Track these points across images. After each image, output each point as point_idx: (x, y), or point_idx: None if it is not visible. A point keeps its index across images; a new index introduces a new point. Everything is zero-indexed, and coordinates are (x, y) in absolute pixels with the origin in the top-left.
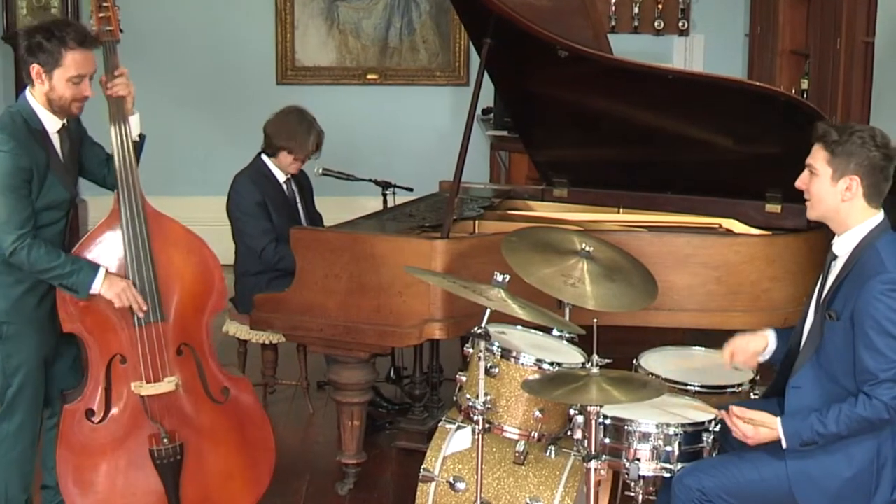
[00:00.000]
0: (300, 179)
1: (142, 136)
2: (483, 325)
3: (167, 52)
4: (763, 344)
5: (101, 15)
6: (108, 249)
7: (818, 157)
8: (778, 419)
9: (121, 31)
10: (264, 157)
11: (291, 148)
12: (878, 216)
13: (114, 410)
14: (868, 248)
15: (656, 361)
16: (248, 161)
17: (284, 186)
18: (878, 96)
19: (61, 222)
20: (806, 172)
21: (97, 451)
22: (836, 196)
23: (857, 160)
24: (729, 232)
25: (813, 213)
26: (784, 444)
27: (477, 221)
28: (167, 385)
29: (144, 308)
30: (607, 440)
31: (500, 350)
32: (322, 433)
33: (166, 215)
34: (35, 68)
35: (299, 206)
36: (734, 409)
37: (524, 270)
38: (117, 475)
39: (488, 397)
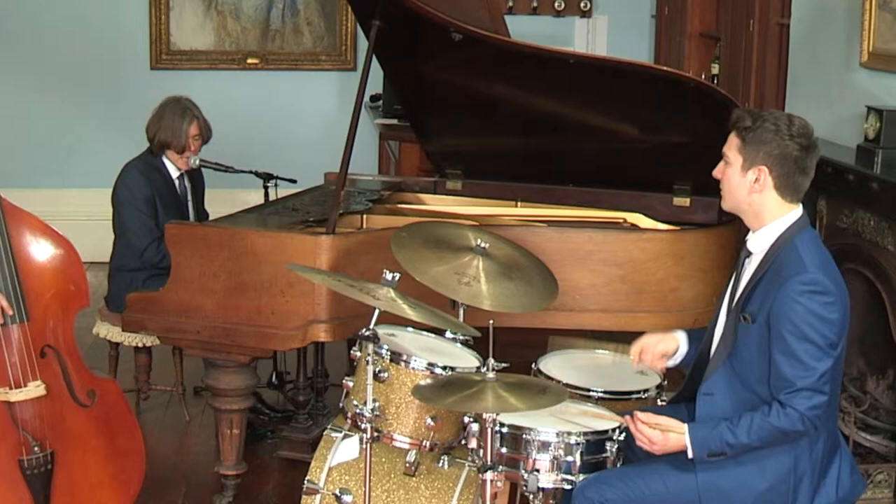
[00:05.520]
0: (193, 176)
1: None
2: (371, 326)
3: (28, 32)
4: (673, 346)
5: None
6: None
7: (731, 145)
8: (686, 426)
9: None
10: None
11: (174, 144)
12: (797, 212)
13: None
14: (786, 245)
15: (557, 365)
16: (119, 152)
17: (176, 182)
18: (793, 81)
19: None
20: (722, 161)
21: None
22: (745, 187)
23: (767, 149)
24: (634, 227)
25: (725, 205)
26: (690, 454)
27: (365, 216)
28: (35, 390)
29: (10, 312)
30: (504, 450)
31: (389, 353)
32: (199, 442)
33: (24, 210)
34: None
35: (189, 203)
36: (639, 414)
37: (415, 268)
38: None
39: (377, 404)
